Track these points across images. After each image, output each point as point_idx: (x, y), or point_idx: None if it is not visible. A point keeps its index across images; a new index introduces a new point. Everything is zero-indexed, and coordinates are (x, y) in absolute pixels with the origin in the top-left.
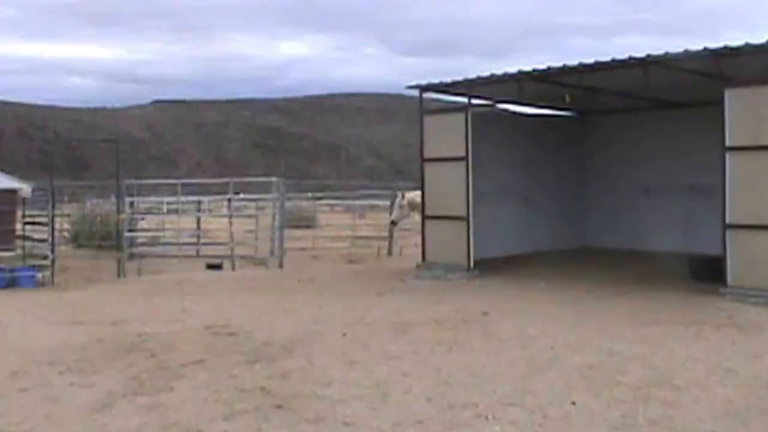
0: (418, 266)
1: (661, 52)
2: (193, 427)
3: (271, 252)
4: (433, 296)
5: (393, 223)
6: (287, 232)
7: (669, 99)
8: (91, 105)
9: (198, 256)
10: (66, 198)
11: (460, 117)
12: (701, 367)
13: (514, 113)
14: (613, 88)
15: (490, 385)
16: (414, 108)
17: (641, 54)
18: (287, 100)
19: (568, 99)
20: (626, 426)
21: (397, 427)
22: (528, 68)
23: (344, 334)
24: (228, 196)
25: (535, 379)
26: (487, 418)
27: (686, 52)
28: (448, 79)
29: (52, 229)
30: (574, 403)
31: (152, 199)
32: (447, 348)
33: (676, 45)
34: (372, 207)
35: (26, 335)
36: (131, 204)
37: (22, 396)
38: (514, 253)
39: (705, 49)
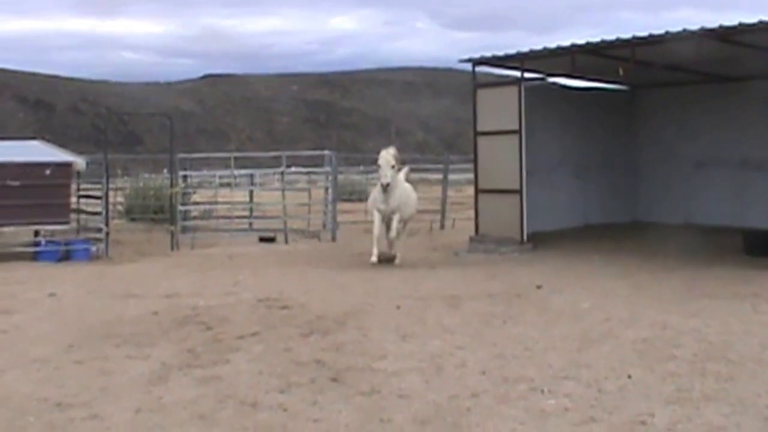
0: (470, 240)
1: (714, 24)
2: (248, 399)
3: (324, 225)
4: (486, 270)
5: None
6: (339, 206)
7: (722, 72)
8: (143, 80)
9: (250, 229)
10: (119, 172)
11: (513, 90)
12: (756, 341)
13: (566, 87)
14: (666, 61)
15: (544, 359)
16: (463, 82)
17: (695, 26)
18: (337, 75)
19: (621, 72)
20: (681, 400)
21: (452, 400)
22: (581, 41)
23: (398, 308)
24: (280, 170)
25: (589, 353)
26: (542, 391)
27: (740, 24)
28: (500, 53)
29: (107, 202)
30: (629, 377)
31: (204, 172)
32: (501, 321)
33: (727, 19)
34: (423, 181)
35: (81, 308)
36: (184, 178)
37: (78, 368)
38: (566, 227)
39: (760, 21)
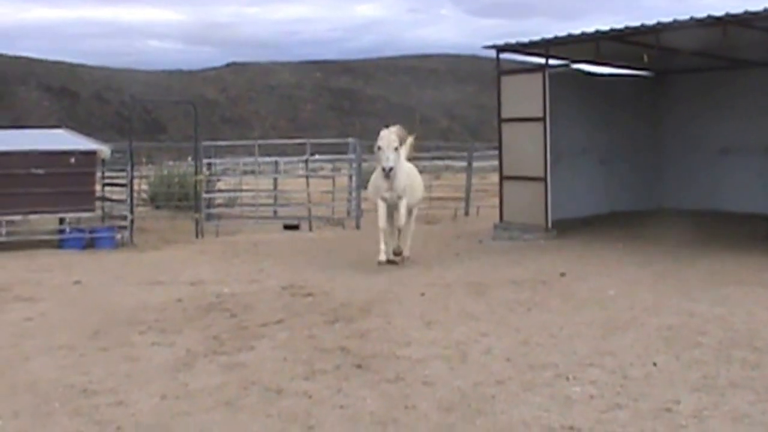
0: (495, 227)
1: (739, 10)
2: (273, 386)
3: (348, 213)
4: (511, 257)
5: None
6: (363, 193)
7: (747, 58)
8: (167, 68)
9: (275, 216)
10: (143, 160)
11: (537, 77)
12: None
13: (591, 73)
14: (691, 47)
15: (569, 346)
16: (487, 69)
17: (720, 13)
18: (361, 62)
19: (645, 59)
20: (707, 387)
21: (477, 387)
22: (605, 27)
23: (422, 295)
24: (304, 157)
25: (614, 340)
26: (567, 378)
27: (765, 9)
28: (524, 39)
29: (131, 190)
30: (655, 364)
31: (228, 160)
32: (525, 309)
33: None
34: (447, 168)
35: (106, 296)
36: (209, 165)
37: (104, 355)
38: (590, 214)
39: None
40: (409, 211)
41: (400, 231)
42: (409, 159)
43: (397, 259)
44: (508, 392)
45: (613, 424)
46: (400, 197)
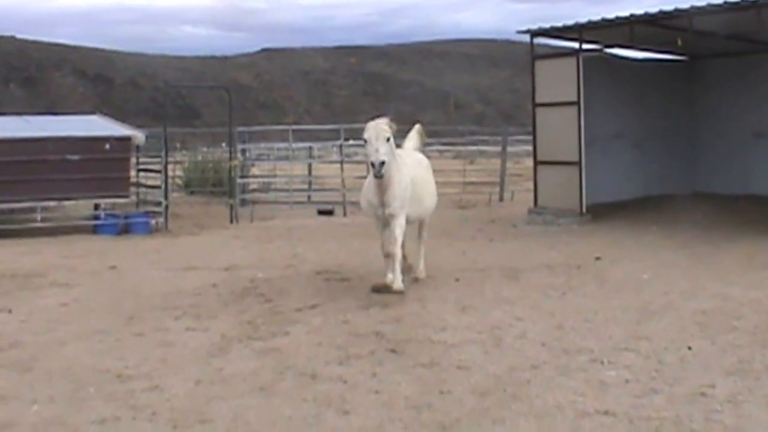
0: (529, 212)
1: None
2: (308, 371)
3: None
4: (545, 241)
5: (380, 166)
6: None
7: None
8: (201, 54)
9: (309, 202)
10: (177, 146)
11: (571, 61)
12: None
13: (624, 58)
14: (725, 30)
15: (604, 330)
16: (522, 53)
17: None
18: (394, 47)
19: (679, 42)
20: (742, 371)
21: (512, 371)
22: (639, 11)
23: (457, 280)
24: (339, 142)
25: (649, 325)
26: (602, 362)
27: None
28: (558, 24)
29: (166, 176)
30: (690, 349)
31: (263, 145)
32: (560, 293)
33: None
34: (482, 153)
35: (141, 281)
36: (243, 151)
37: (139, 340)
38: (624, 198)
39: None
40: (421, 223)
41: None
42: (422, 150)
43: (406, 267)
44: (542, 377)
45: (648, 409)
46: (393, 215)
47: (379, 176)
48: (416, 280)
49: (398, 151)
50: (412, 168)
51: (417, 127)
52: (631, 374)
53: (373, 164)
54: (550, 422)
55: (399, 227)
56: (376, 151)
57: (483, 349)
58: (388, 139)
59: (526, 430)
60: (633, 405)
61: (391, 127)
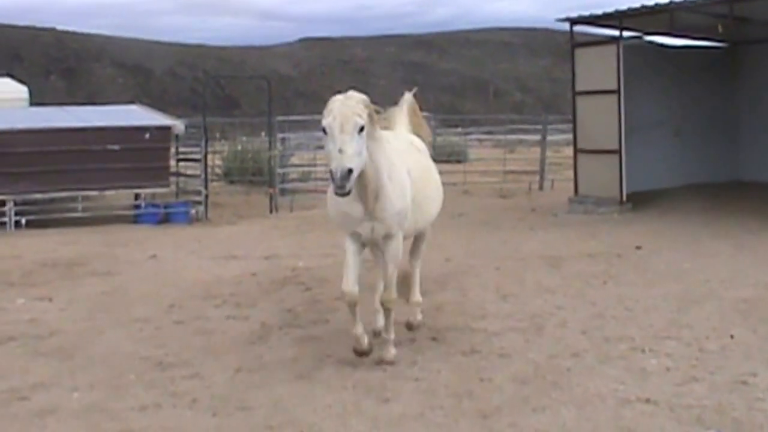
0: (569, 200)
1: None
2: (348, 359)
3: None
4: (586, 230)
5: (342, 177)
6: (437, 167)
7: None
8: (239, 43)
9: None
10: (217, 135)
11: (611, 49)
12: None
13: (665, 45)
14: (766, 16)
15: (645, 319)
16: (561, 42)
17: None
18: (434, 35)
19: (720, 29)
20: None
21: (552, 359)
22: None
23: (497, 268)
24: None
25: (690, 313)
26: (643, 351)
27: None
28: (598, 11)
29: (205, 165)
30: (731, 337)
31: (302, 135)
32: (601, 281)
33: None
34: (521, 141)
35: (181, 270)
36: (282, 140)
37: (179, 328)
38: (665, 187)
39: None
40: (418, 236)
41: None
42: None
43: (388, 334)
44: (583, 365)
45: (689, 397)
46: (389, 235)
47: (342, 193)
48: (410, 328)
49: (383, 133)
50: (406, 155)
51: (407, 96)
52: (673, 362)
53: (332, 173)
54: (591, 410)
55: (394, 257)
56: (340, 151)
57: (523, 337)
58: (361, 130)
59: (566, 418)
60: (674, 393)
61: (368, 111)
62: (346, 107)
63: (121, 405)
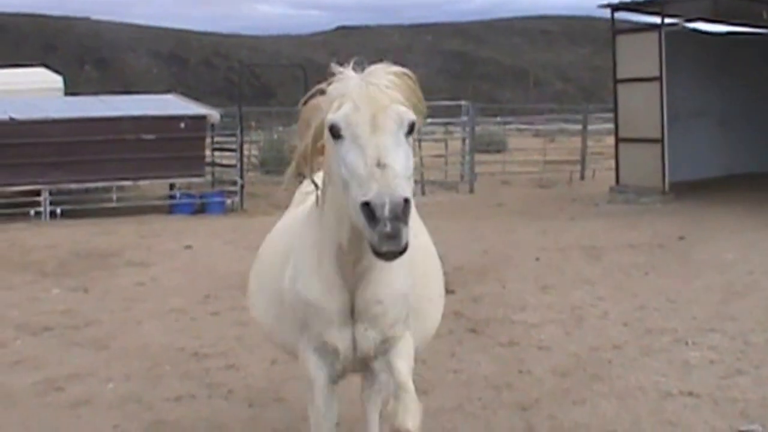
0: (611, 190)
1: None
2: None
3: (461, 177)
4: (627, 220)
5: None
6: (476, 157)
7: None
8: (275, 32)
9: None
10: (252, 124)
11: (653, 36)
12: None
13: (708, 32)
14: None
15: (687, 311)
16: (602, 30)
17: None
18: (472, 24)
19: (765, 15)
20: None
21: (593, 351)
22: None
23: (537, 259)
24: None
25: (734, 305)
26: (686, 343)
27: None
28: None
29: (241, 155)
30: None
31: None
32: (642, 273)
33: None
34: (562, 131)
35: (216, 260)
36: None
37: (214, 319)
38: (708, 176)
39: None
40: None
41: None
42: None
43: None
44: (624, 357)
45: (733, 390)
46: (391, 339)
47: (393, 251)
48: None
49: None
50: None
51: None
52: (716, 355)
53: (369, 210)
54: (632, 403)
55: (405, 354)
56: (380, 166)
57: (563, 329)
58: (410, 130)
59: (607, 410)
60: (718, 386)
61: (416, 94)
62: (377, 89)
63: (156, 396)
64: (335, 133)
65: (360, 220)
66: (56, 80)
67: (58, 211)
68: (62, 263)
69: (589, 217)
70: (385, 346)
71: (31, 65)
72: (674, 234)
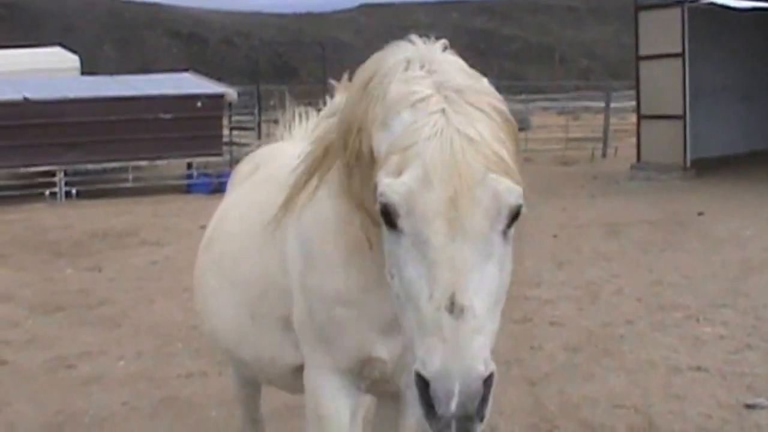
0: (632, 167)
1: None
2: None
3: None
4: (647, 197)
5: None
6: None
7: None
8: (297, 10)
9: None
10: (271, 103)
11: (676, 12)
12: None
13: (732, 8)
14: None
15: (702, 287)
16: (629, 6)
17: None
18: (497, 1)
19: None
20: None
21: (605, 327)
22: None
23: (554, 236)
24: None
25: (749, 281)
26: (698, 319)
27: None
28: None
29: (259, 133)
30: None
31: None
32: (659, 249)
33: None
34: (587, 109)
35: None
36: None
37: None
38: (731, 153)
39: None
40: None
41: None
42: None
43: None
44: (636, 332)
45: (741, 365)
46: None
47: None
48: None
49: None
50: None
51: None
52: (727, 330)
53: (431, 392)
54: (642, 377)
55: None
56: (453, 311)
57: (577, 305)
58: (511, 222)
59: (615, 385)
60: (726, 361)
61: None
62: (467, 143)
63: (167, 373)
64: (390, 219)
65: (412, 390)
66: (73, 60)
67: (74, 191)
68: (77, 243)
69: (609, 194)
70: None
71: (49, 45)
72: (694, 211)
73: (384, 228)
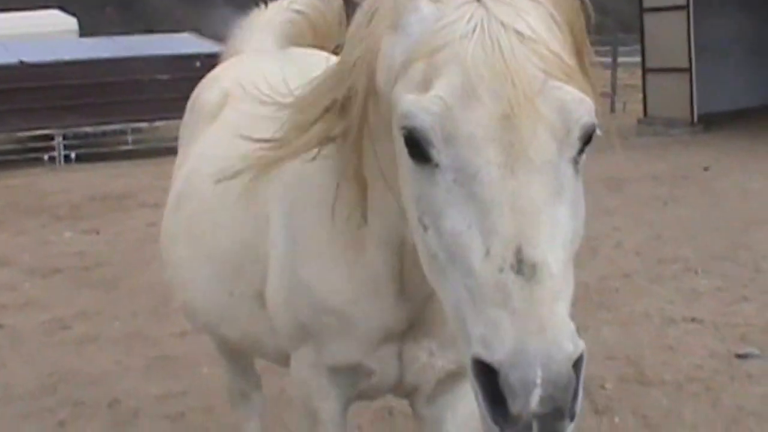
0: (638, 122)
1: None
2: None
3: None
4: (653, 152)
5: None
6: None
7: None
8: None
9: None
10: None
11: None
12: None
13: None
14: None
15: (702, 240)
16: None
17: None
18: None
19: None
20: None
21: (602, 280)
22: None
23: None
24: None
25: (750, 234)
26: (696, 272)
27: None
28: None
29: None
30: None
31: None
32: (662, 203)
33: None
34: (598, 64)
35: None
36: None
37: None
38: (741, 107)
39: None
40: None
41: None
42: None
43: None
44: (633, 285)
45: (737, 316)
46: (457, 375)
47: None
48: None
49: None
50: None
51: None
52: (724, 282)
53: (501, 383)
54: (635, 329)
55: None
56: (521, 269)
57: (576, 259)
58: (583, 148)
59: (608, 337)
60: (721, 312)
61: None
62: (517, 39)
63: (161, 332)
64: (418, 150)
65: (470, 381)
66: (70, 22)
67: (73, 155)
68: (75, 207)
69: (616, 149)
70: (450, 377)
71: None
72: (700, 165)
73: (410, 163)
